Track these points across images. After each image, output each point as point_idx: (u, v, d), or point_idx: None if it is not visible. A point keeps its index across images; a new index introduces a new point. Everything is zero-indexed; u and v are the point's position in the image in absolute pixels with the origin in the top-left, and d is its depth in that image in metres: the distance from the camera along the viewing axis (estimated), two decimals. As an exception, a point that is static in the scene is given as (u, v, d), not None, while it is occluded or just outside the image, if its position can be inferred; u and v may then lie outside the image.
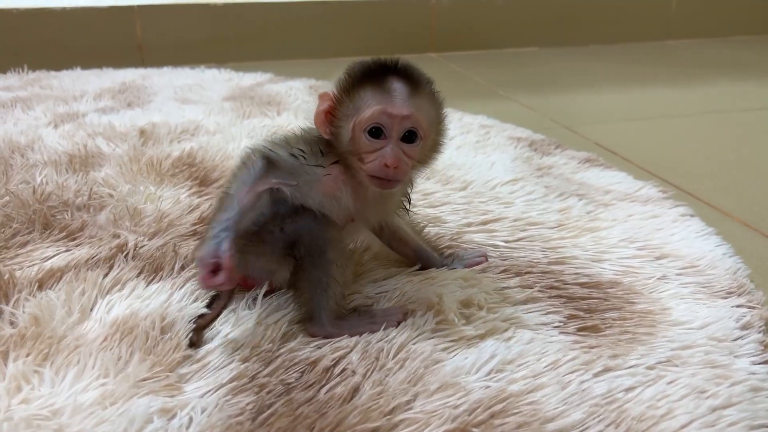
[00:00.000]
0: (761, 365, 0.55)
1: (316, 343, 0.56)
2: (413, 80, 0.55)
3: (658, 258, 0.72)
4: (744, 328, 0.59)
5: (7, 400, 0.48)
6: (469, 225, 0.78)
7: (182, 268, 0.66)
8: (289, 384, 0.51)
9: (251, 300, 0.61)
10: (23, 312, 0.58)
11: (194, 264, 0.60)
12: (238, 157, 0.61)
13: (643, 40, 2.14)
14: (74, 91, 1.33)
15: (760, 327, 0.60)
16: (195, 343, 0.56)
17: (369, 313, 0.60)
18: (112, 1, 1.65)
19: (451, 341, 0.56)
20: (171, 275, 0.65)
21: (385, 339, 0.56)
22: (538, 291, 0.64)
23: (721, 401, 0.50)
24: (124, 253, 0.69)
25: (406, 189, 0.63)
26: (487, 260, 0.70)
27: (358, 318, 0.59)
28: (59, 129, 1.08)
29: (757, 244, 0.80)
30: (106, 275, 0.64)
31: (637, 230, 0.78)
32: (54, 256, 0.68)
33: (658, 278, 0.67)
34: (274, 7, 1.77)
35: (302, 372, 0.52)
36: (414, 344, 0.55)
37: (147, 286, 0.63)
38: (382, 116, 0.53)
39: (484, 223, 0.79)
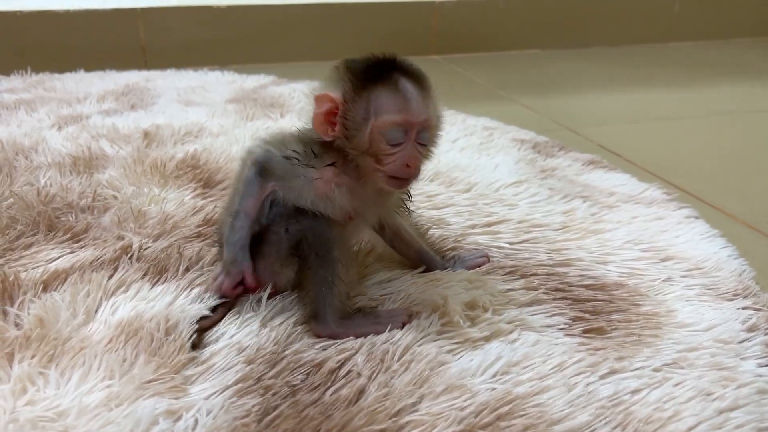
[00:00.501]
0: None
1: (321, 344, 0.56)
2: (417, 78, 0.55)
3: (663, 260, 0.71)
4: (750, 330, 0.59)
5: (13, 402, 0.48)
6: (473, 227, 0.78)
7: (187, 269, 0.66)
8: (294, 386, 0.51)
9: (256, 302, 0.61)
10: (28, 314, 0.58)
11: (218, 275, 0.62)
12: (240, 159, 0.61)
13: (645, 42, 2.14)
14: (78, 93, 1.33)
15: (766, 329, 0.60)
16: (196, 345, 0.56)
17: (374, 315, 0.60)
18: (115, 4, 1.65)
19: (457, 343, 0.56)
20: (176, 277, 0.65)
21: (390, 341, 0.56)
22: (543, 293, 0.64)
23: (728, 403, 0.50)
24: (129, 254, 0.68)
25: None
26: (489, 260, 0.70)
27: (363, 318, 0.59)
28: (63, 131, 1.08)
29: (762, 245, 0.80)
30: (110, 277, 0.64)
31: (642, 232, 0.77)
32: (58, 257, 0.68)
33: (664, 280, 0.67)
34: (277, 9, 1.77)
35: (307, 374, 0.52)
36: (419, 346, 0.55)
37: (152, 287, 0.63)
38: (404, 121, 0.53)
39: (489, 225, 0.79)
